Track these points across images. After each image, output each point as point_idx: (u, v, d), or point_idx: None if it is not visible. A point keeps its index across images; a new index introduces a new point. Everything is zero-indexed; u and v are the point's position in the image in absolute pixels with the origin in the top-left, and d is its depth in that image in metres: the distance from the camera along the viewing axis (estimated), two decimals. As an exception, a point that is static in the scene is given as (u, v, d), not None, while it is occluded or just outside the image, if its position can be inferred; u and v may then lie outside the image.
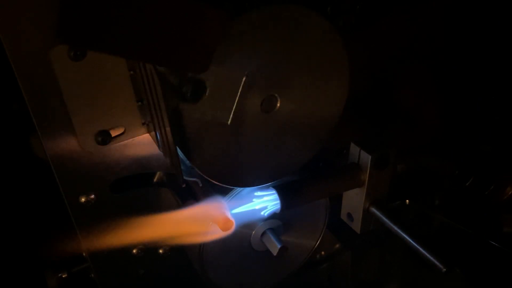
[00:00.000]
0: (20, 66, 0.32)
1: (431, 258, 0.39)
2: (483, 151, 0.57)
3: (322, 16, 0.37)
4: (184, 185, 0.39)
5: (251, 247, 0.48)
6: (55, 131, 0.36)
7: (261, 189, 0.41)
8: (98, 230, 0.42)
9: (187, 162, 0.38)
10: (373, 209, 0.44)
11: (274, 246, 0.46)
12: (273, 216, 0.45)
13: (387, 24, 0.46)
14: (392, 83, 0.52)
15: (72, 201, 0.40)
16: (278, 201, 0.40)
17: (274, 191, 0.40)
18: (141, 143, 0.40)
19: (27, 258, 0.57)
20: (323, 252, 0.59)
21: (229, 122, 0.35)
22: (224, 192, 0.43)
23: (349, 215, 0.47)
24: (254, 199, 0.41)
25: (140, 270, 0.48)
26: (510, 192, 0.52)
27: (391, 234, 0.43)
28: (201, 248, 0.45)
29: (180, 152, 0.37)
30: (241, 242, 0.47)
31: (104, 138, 0.37)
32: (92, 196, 0.40)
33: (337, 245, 0.60)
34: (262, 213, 0.41)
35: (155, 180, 0.43)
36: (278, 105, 0.38)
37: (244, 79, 0.34)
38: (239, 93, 0.35)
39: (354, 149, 0.43)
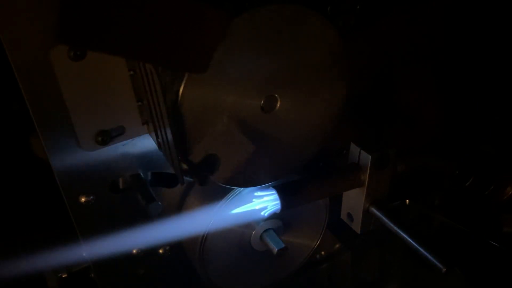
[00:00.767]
0: (20, 66, 0.32)
1: (431, 258, 0.39)
2: (483, 151, 0.57)
3: (322, 16, 0.37)
4: (184, 185, 0.39)
5: (251, 247, 0.48)
6: (55, 131, 0.36)
7: (261, 189, 0.41)
8: (98, 230, 0.42)
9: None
10: (373, 209, 0.44)
11: (274, 246, 0.46)
12: (273, 216, 0.45)
13: (387, 24, 0.46)
14: (392, 83, 0.52)
15: (72, 201, 0.40)
16: (278, 201, 0.40)
17: (274, 191, 0.40)
18: (141, 143, 0.40)
19: (27, 258, 0.57)
20: (323, 252, 0.59)
21: None
22: (224, 192, 0.43)
23: (349, 215, 0.47)
24: (254, 199, 0.41)
25: (140, 270, 0.48)
26: (510, 192, 0.52)
27: (391, 234, 0.43)
28: (201, 248, 0.45)
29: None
30: (241, 242, 0.47)
31: (104, 138, 0.37)
32: (92, 196, 0.40)
33: (337, 245, 0.60)
34: (262, 213, 0.41)
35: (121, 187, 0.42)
36: (278, 105, 0.38)
37: None
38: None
39: (354, 149, 0.43)
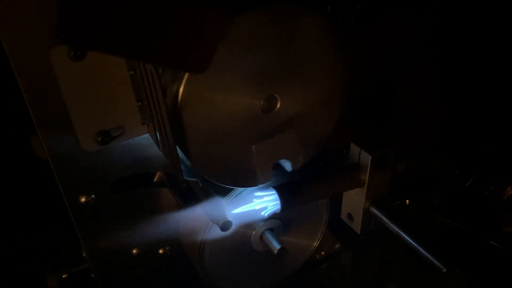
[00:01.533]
0: (20, 66, 0.32)
1: (431, 258, 0.39)
2: (483, 151, 0.57)
3: (322, 16, 0.37)
4: (184, 185, 0.39)
5: (251, 247, 0.48)
6: (55, 131, 0.36)
7: (261, 189, 0.41)
8: (98, 230, 0.42)
9: (187, 162, 0.38)
10: (373, 209, 0.44)
11: (274, 246, 0.46)
12: (273, 216, 0.45)
13: (387, 24, 0.46)
14: (392, 83, 0.52)
15: (72, 201, 0.40)
16: (278, 201, 0.40)
17: (274, 191, 0.40)
18: (141, 143, 0.40)
19: (27, 258, 0.57)
20: (323, 252, 0.59)
21: None
22: (224, 192, 0.43)
23: (349, 215, 0.47)
24: (254, 199, 0.41)
25: (140, 270, 0.48)
26: (510, 192, 0.52)
27: (391, 234, 0.43)
28: (201, 248, 0.45)
29: (180, 152, 0.37)
30: (241, 242, 0.47)
31: (104, 138, 0.37)
32: (92, 196, 0.40)
33: (337, 245, 0.60)
34: (262, 213, 0.41)
35: (155, 180, 0.43)
36: (278, 105, 0.38)
37: None
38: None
39: (354, 149, 0.43)
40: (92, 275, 0.46)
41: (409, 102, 0.54)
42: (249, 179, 0.42)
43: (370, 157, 0.42)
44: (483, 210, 0.59)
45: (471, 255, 0.58)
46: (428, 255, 0.39)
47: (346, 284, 0.63)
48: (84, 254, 0.45)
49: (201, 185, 0.41)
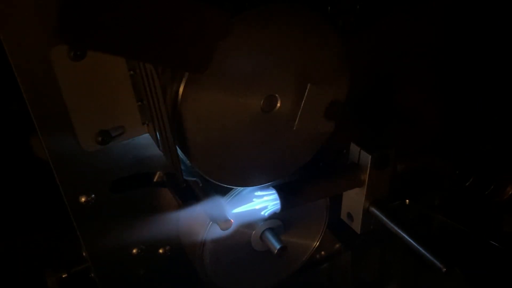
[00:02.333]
0: (20, 66, 0.32)
1: (431, 258, 0.39)
2: (483, 151, 0.57)
3: (322, 16, 0.37)
4: (184, 185, 0.39)
5: (251, 247, 0.48)
6: (55, 131, 0.36)
7: (261, 189, 0.41)
8: (98, 230, 0.42)
9: (187, 162, 0.38)
10: (373, 209, 0.44)
11: (274, 246, 0.46)
12: (273, 216, 0.45)
13: (387, 24, 0.46)
14: (392, 83, 0.52)
15: (72, 201, 0.40)
16: (278, 201, 0.40)
17: (274, 191, 0.40)
18: (141, 143, 0.40)
19: (27, 258, 0.57)
20: (323, 252, 0.59)
21: None
22: (224, 192, 0.43)
23: (349, 215, 0.47)
24: (254, 199, 0.41)
25: (140, 270, 0.48)
26: (510, 192, 0.52)
27: (391, 234, 0.43)
28: (201, 248, 0.45)
29: (180, 152, 0.37)
30: (241, 242, 0.47)
31: (104, 138, 0.37)
32: (92, 196, 0.40)
33: (337, 245, 0.60)
34: (262, 213, 0.41)
35: (155, 180, 0.43)
36: (278, 105, 0.38)
37: None
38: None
39: (354, 149, 0.43)
40: (92, 275, 0.46)
41: (409, 102, 0.54)
42: (249, 179, 0.42)
43: (370, 157, 0.42)
44: (483, 210, 0.59)
45: (471, 255, 0.58)
46: (428, 255, 0.39)
47: (346, 284, 0.63)
48: (84, 254, 0.45)
49: (201, 185, 0.41)
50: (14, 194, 0.54)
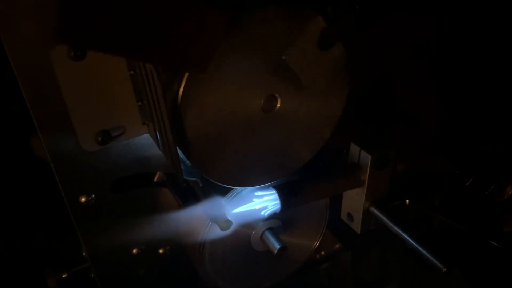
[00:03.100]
0: (20, 66, 0.32)
1: (431, 258, 0.39)
2: (483, 151, 0.57)
3: (323, 17, 0.37)
4: (184, 185, 0.39)
5: (251, 247, 0.48)
6: (55, 131, 0.36)
7: (261, 189, 0.41)
8: (98, 230, 0.42)
9: (187, 162, 0.38)
10: (373, 209, 0.44)
11: (274, 246, 0.46)
12: (273, 216, 0.45)
13: (387, 24, 0.46)
14: (392, 83, 0.52)
15: (72, 201, 0.40)
16: (278, 201, 0.40)
17: (274, 191, 0.40)
18: (141, 143, 0.40)
19: (27, 258, 0.57)
20: (323, 252, 0.59)
21: None
22: (224, 192, 0.43)
23: (349, 215, 0.47)
24: (254, 199, 0.41)
25: (140, 270, 0.48)
26: (510, 192, 0.52)
27: (391, 234, 0.43)
28: (201, 248, 0.45)
29: (180, 152, 0.37)
30: (241, 242, 0.47)
31: (104, 138, 0.37)
32: (92, 196, 0.40)
33: (337, 245, 0.60)
34: (262, 213, 0.41)
35: (155, 180, 0.43)
36: (278, 105, 0.38)
37: None
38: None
39: (354, 149, 0.43)
40: (92, 275, 0.46)
41: (409, 102, 0.54)
42: (249, 179, 0.42)
43: (370, 157, 0.42)
44: (483, 210, 0.59)
45: (471, 255, 0.58)
46: (428, 255, 0.39)
47: (346, 284, 0.63)
48: (84, 254, 0.45)
49: (201, 185, 0.41)
50: (14, 194, 0.54)
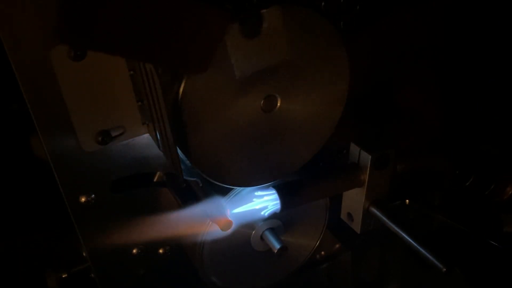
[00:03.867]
0: (20, 66, 0.32)
1: (431, 258, 0.39)
2: (483, 151, 0.57)
3: (324, 17, 0.37)
4: (184, 185, 0.39)
5: (251, 247, 0.48)
6: (55, 131, 0.36)
7: (261, 189, 0.41)
8: (98, 230, 0.42)
9: (187, 162, 0.38)
10: (373, 209, 0.44)
11: (274, 246, 0.46)
12: (273, 216, 0.45)
13: (387, 24, 0.46)
14: (392, 83, 0.52)
15: (72, 201, 0.40)
16: (278, 201, 0.40)
17: (274, 191, 0.40)
18: (141, 143, 0.40)
19: (27, 258, 0.57)
20: (323, 252, 0.59)
21: None
22: (224, 192, 0.43)
23: (349, 215, 0.47)
24: (254, 199, 0.41)
25: (140, 270, 0.48)
26: (510, 192, 0.52)
27: (391, 234, 0.43)
28: (201, 248, 0.45)
29: (180, 152, 0.37)
30: (241, 242, 0.47)
31: (104, 138, 0.37)
32: (92, 196, 0.40)
33: (337, 245, 0.60)
34: (262, 213, 0.41)
35: (155, 180, 0.43)
36: (278, 105, 0.38)
37: None
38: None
39: (354, 149, 0.43)
40: (92, 275, 0.46)
41: (409, 102, 0.54)
42: (249, 179, 0.42)
43: (370, 157, 0.42)
44: (483, 210, 0.59)
45: (471, 255, 0.58)
46: (428, 255, 0.39)
47: (346, 284, 0.63)
48: (84, 254, 0.45)
49: (201, 185, 0.41)
50: (14, 194, 0.54)
